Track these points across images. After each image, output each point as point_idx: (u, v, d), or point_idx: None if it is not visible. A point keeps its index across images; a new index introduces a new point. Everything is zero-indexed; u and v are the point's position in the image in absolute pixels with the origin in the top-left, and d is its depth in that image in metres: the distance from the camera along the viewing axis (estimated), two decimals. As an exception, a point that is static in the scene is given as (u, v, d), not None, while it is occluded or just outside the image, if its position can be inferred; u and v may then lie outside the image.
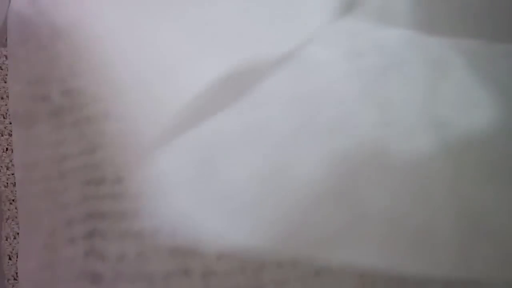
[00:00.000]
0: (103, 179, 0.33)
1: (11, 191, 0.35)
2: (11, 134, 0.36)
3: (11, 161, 0.36)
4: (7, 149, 0.36)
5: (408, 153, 0.32)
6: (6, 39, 0.38)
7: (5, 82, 0.37)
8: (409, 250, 0.31)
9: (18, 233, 0.34)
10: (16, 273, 0.33)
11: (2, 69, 0.38)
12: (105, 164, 0.33)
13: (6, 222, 0.34)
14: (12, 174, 0.35)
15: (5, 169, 0.36)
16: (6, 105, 0.37)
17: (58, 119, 0.35)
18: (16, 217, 0.34)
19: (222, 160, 0.33)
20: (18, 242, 0.34)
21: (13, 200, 0.35)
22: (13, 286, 0.33)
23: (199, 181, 0.32)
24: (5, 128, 0.36)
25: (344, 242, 0.31)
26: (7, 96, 0.37)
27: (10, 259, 0.34)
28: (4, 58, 0.38)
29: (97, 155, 0.34)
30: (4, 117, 0.37)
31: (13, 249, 0.34)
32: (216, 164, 0.33)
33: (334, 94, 0.34)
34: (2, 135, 0.36)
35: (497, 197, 0.32)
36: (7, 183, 0.35)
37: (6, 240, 0.34)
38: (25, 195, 0.34)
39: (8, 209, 0.35)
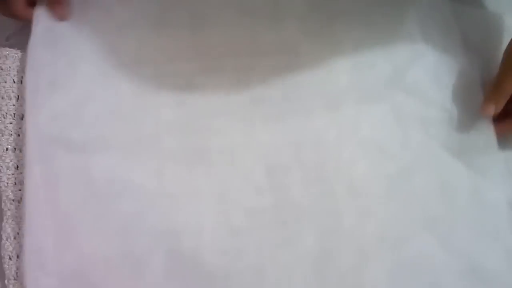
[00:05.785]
0: None
1: (11, 191, 0.35)
2: (11, 134, 0.36)
3: (11, 161, 0.36)
4: (7, 149, 0.36)
5: None
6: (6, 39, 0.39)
7: (5, 82, 0.37)
8: None
9: (18, 233, 0.34)
10: (16, 273, 0.33)
11: (2, 69, 0.38)
12: None
13: (7, 222, 0.34)
14: (12, 174, 0.35)
15: (5, 169, 0.35)
16: (6, 105, 0.37)
17: None
18: (16, 217, 0.34)
19: None
20: (18, 242, 0.34)
21: (13, 200, 0.35)
22: (13, 286, 0.33)
23: None
24: (5, 128, 0.36)
25: None
26: (8, 96, 0.37)
27: (10, 259, 0.33)
28: (5, 58, 0.38)
29: None
30: (4, 117, 0.37)
31: (13, 249, 0.34)
32: None
33: None
34: (2, 135, 0.36)
35: None
36: (7, 183, 0.35)
37: (7, 240, 0.34)
38: None
39: (9, 209, 0.34)
